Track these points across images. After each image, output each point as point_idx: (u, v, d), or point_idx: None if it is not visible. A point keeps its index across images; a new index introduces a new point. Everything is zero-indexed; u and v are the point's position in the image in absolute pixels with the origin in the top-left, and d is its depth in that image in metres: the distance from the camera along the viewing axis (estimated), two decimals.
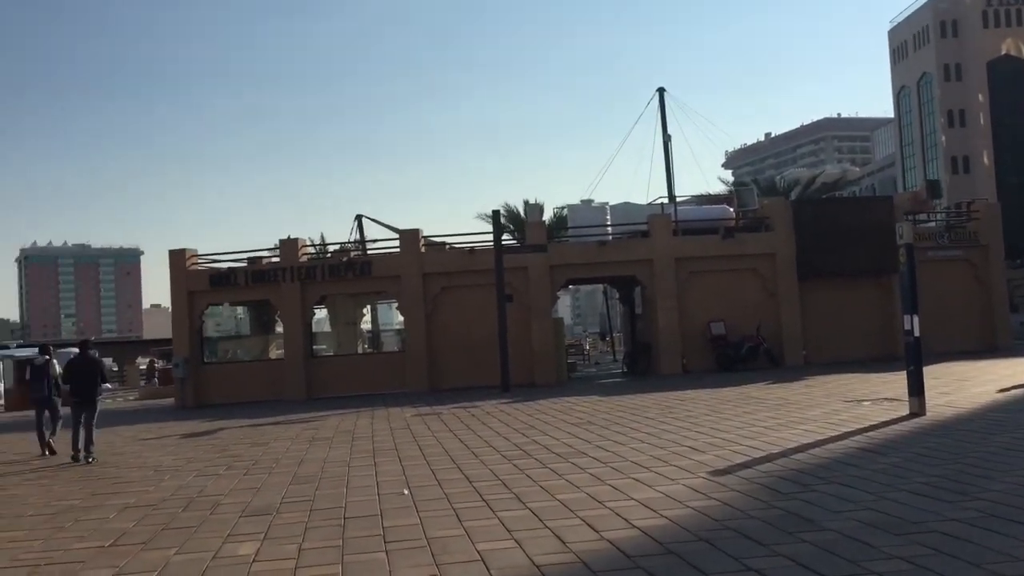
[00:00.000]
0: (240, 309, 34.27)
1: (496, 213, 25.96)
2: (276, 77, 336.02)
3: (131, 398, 40.50)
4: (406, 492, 9.42)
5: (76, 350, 15.63)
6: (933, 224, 31.13)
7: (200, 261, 30.24)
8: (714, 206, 32.62)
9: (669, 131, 38.13)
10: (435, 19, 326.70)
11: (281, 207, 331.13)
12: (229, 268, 29.64)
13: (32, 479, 12.47)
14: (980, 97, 79.46)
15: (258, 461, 12.67)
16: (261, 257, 30.20)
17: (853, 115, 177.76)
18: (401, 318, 30.38)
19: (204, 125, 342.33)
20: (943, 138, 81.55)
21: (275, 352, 31.57)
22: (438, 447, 13.11)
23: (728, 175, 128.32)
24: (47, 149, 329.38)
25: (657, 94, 39.14)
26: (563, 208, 36.58)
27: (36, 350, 27.13)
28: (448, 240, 29.77)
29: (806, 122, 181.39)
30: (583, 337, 65.62)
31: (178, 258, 29.48)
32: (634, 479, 9.46)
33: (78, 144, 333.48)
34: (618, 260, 28.44)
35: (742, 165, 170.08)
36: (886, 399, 16.24)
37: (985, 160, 78.59)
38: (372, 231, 35.16)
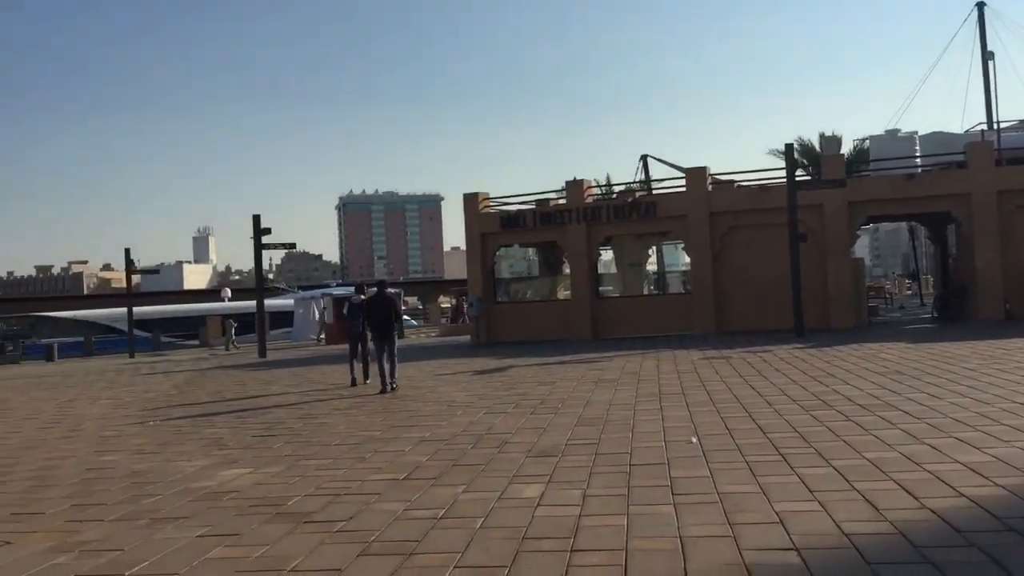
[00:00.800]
0: (530, 250, 35.02)
1: (789, 147, 24.36)
2: (554, 23, 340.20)
3: (432, 335, 43.09)
4: (694, 440, 8.95)
5: (375, 290, 16.69)
6: None
7: (492, 204, 31.16)
8: None
9: (990, 49, 34.06)
10: None
11: (569, 150, 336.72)
12: (518, 210, 30.31)
13: (341, 408, 13.33)
14: None
15: (544, 400, 12.72)
16: (549, 199, 30.59)
17: None
18: (687, 259, 29.64)
19: (492, 78, 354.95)
20: None
21: (562, 293, 32.01)
22: (727, 393, 12.48)
23: None
24: (359, 106, 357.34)
25: (976, 9, 35.07)
26: (864, 140, 33.76)
27: (352, 289, 29.47)
28: (736, 178, 28.47)
29: None
30: (884, 279, 61.12)
31: (471, 202, 30.57)
32: (957, 439, 8.34)
33: (387, 100, 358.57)
34: (929, 195, 25.76)
35: None
36: None
37: None
38: (657, 172, 34.35)
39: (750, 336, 23.56)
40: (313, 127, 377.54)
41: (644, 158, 35.94)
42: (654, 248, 33.51)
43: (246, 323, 42.70)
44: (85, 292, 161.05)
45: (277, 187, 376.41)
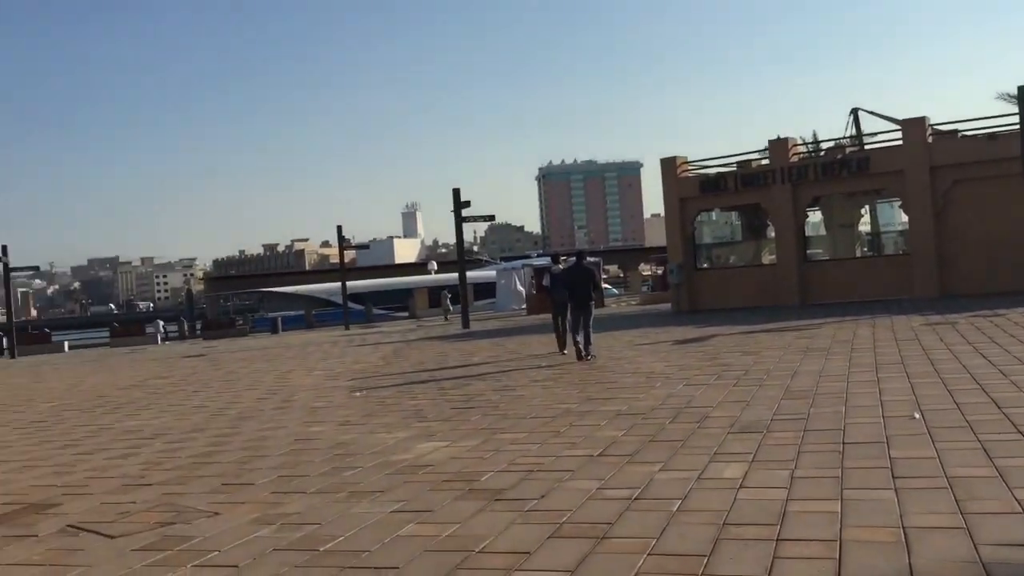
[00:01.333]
0: (733, 214, 33.77)
1: (1022, 89, 21.93)
2: None
3: (632, 303, 42.67)
4: (917, 416, 8.14)
5: (574, 259, 16.70)
6: None
7: (690, 168, 30.25)
8: None
9: None
10: None
11: (770, 109, 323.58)
12: (718, 173, 29.25)
13: (539, 380, 13.26)
14: None
15: (748, 371, 12.09)
16: (751, 160, 29.33)
17: None
18: (904, 218, 27.58)
19: (687, 34, 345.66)
20: None
21: (767, 257, 30.70)
22: (954, 363, 11.38)
23: None
24: (556, 78, 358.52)
25: None
26: None
27: (548, 259, 29.55)
28: (959, 127, 26.09)
29: None
30: None
31: (669, 166, 29.80)
32: None
33: (583, 69, 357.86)
34: None
35: None
36: None
37: None
38: (870, 127, 32.09)
39: (978, 299, 21.62)
40: (512, 100, 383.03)
41: (855, 111, 33.62)
42: (866, 207, 31.43)
43: (453, 295, 44.00)
44: (306, 268, 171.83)
45: (480, 161, 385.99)
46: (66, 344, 42.54)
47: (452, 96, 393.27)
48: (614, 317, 30.13)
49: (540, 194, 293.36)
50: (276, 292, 62.50)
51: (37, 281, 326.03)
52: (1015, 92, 23.36)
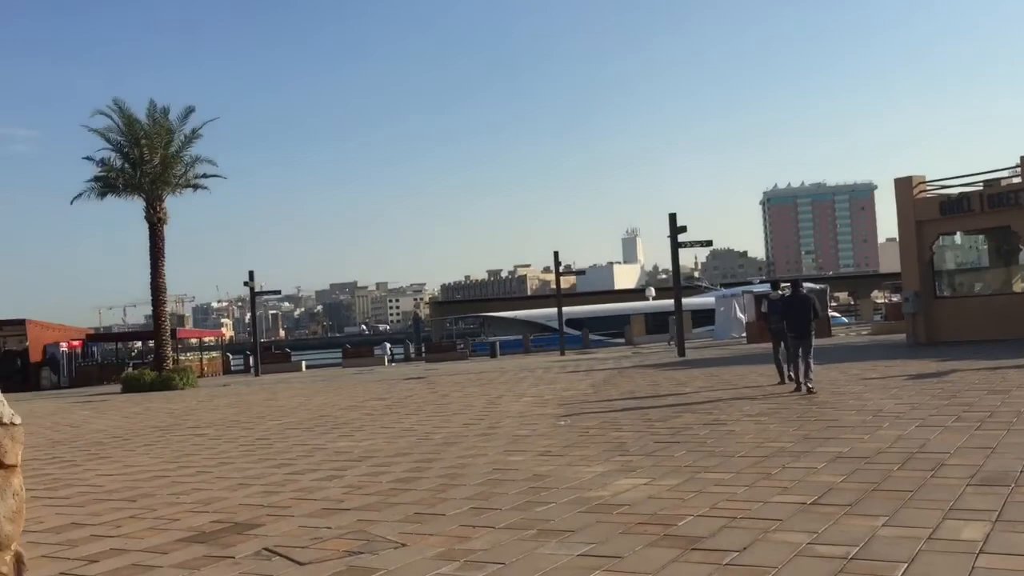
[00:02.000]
0: (979, 238, 30.92)
1: None
2: None
3: (863, 332, 40.09)
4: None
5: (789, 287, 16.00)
6: None
7: (928, 188, 28.01)
8: None
9: None
10: None
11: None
12: (961, 193, 26.88)
13: (752, 414, 12.47)
14: None
15: (994, 413, 10.75)
16: (999, 179, 26.76)
17: None
18: None
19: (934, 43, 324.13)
20: None
21: (1019, 286, 27.83)
22: None
23: None
24: (777, 96, 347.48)
25: None
26: None
27: (768, 286, 28.26)
28: None
29: None
30: None
31: (904, 187, 27.75)
32: None
33: (802, 87, 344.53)
34: None
35: None
36: None
37: None
38: None
39: None
40: (732, 122, 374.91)
41: None
42: None
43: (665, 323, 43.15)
44: (528, 293, 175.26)
45: (702, 185, 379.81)
46: (303, 363, 45.36)
47: (673, 119, 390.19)
48: (841, 348, 28.32)
49: (764, 218, 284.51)
50: (496, 317, 63.95)
51: (286, 304, 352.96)
52: None
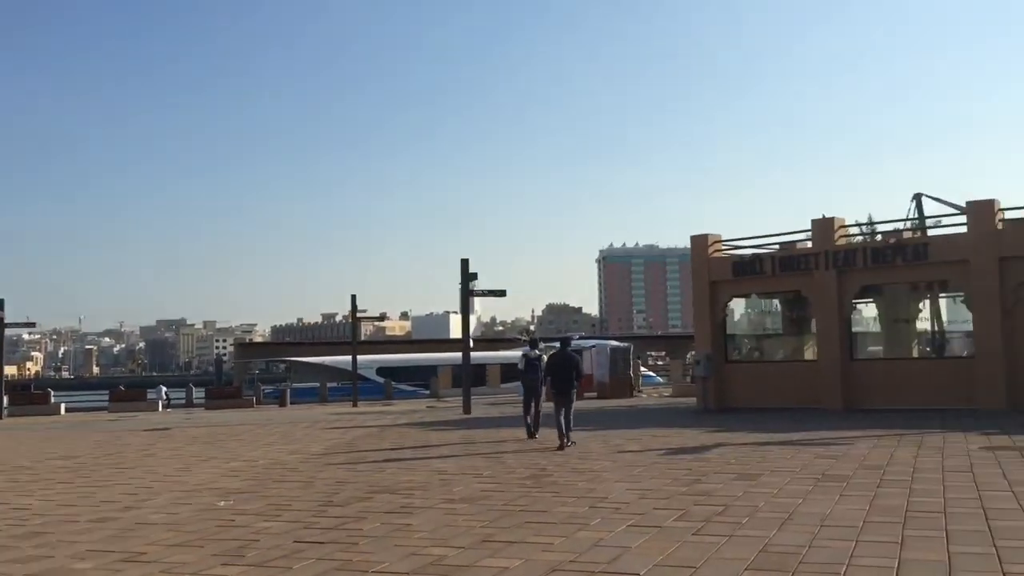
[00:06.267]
0: (774, 302, 30.32)
1: None
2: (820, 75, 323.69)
3: (665, 394, 39.14)
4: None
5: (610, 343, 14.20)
6: None
7: (723, 247, 27.09)
8: None
9: None
10: None
11: (828, 193, 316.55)
12: (754, 255, 26.01)
13: (452, 500, 10.12)
14: None
15: (727, 508, 8.80)
16: (796, 241, 26.08)
17: None
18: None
19: (767, 120, 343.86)
20: None
21: (810, 353, 27.17)
22: (1017, 515, 8.00)
23: None
24: (618, 161, 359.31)
25: None
26: None
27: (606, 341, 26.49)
28: None
29: None
30: None
31: (700, 245, 26.69)
32: None
33: (646, 155, 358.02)
34: None
35: None
36: None
37: None
38: (935, 213, 28.53)
39: None
40: (573, 183, 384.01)
41: (917, 197, 30.20)
42: (927, 301, 27.79)
43: (478, 375, 41.03)
44: (361, 339, 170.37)
45: (545, 240, 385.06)
46: (62, 406, 40.37)
47: (515, 172, 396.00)
48: (632, 411, 26.84)
49: (600, 276, 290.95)
50: (303, 362, 60.40)
51: (106, 339, 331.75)
52: None
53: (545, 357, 16.91)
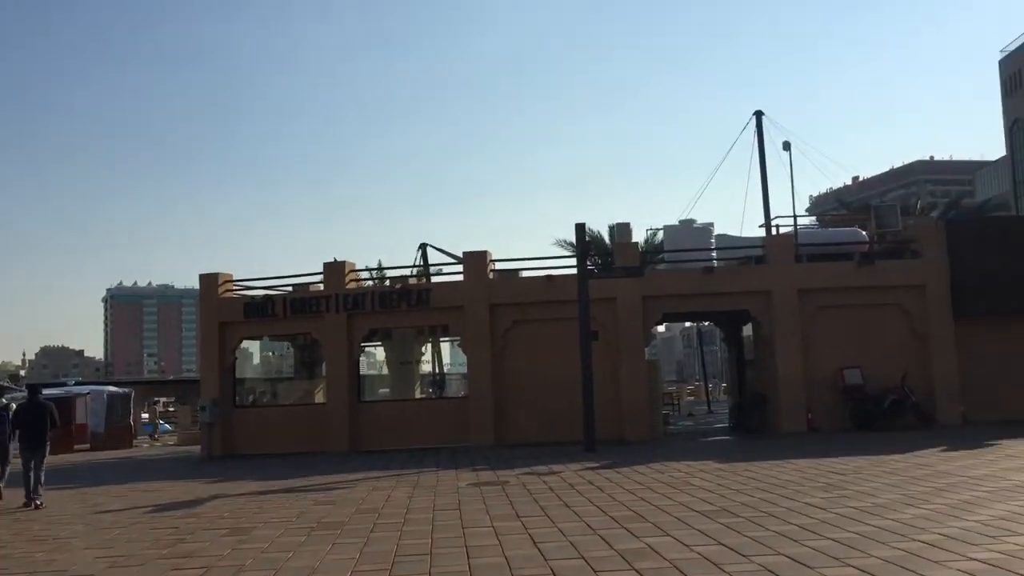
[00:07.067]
0: (286, 345, 29.96)
1: (580, 226, 21.10)
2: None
3: (171, 442, 36.64)
4: None
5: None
6: None
7: (235, 287, 26.11)
8: (843, 228, 27.19)
9: (765, 164, 33.51)
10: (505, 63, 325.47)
11: (352, 238, 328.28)
12: (266, 296, 25.40)
13: None
14: None
15: (209, 570, 7.98)
16: (310, 284, 25.97)
17: (946, 157, 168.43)
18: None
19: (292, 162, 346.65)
20: None
21: (323, 395, 27.17)
22: (496, 551, 8.29)
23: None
24: (131, 193, 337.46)
25: (754, 118, 34.53)
26: (656, 232, 31.59)
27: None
28: (522, 266, 25.06)
29: (897, 165, 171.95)
30: (684, 384, 59.97)
31: (210, 284, 25.40)
32: None
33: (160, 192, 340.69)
34: (727, 291, 23.22)
35: (828, 212, 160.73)
36: None
37: None
38: (438, 263, 30.45)
39: (534, 450, 19.76)
40: (86, 214, 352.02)
41: (423, 247, 32.13)
42: (429, 344, 29.44)
43: None
44: None
45: (42, 277, 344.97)
46: None
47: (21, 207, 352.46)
48: (128, 463, 24.49)
49: (106, 317, 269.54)
50: None
51: None
52: (574, 234, 22.66)
53: (14, 406, 14.77)
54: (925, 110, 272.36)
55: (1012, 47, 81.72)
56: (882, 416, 22.03)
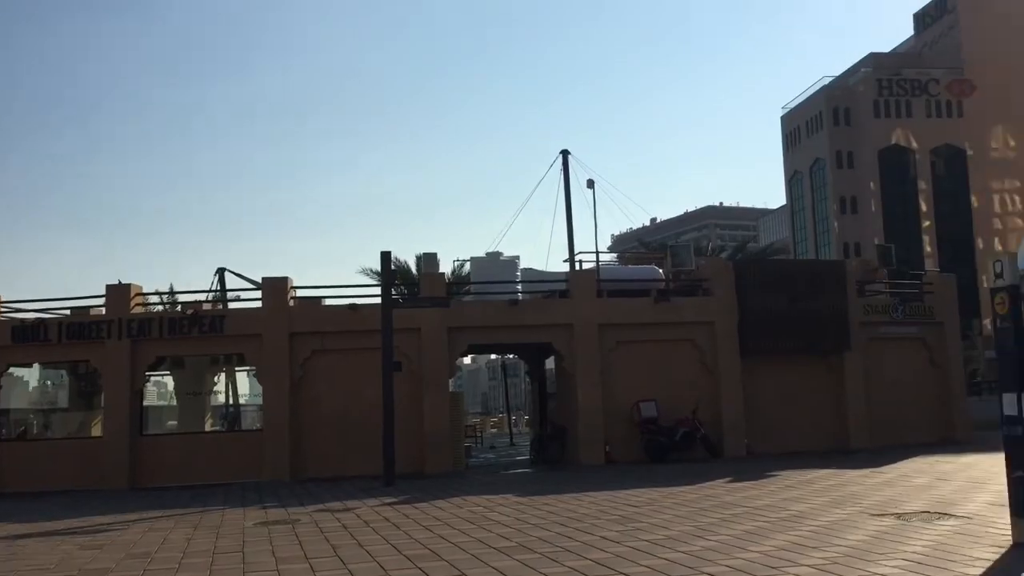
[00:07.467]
0: (63, 373, 27.57)
1: (386, 254, 20.64)
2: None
3: None
4: None
5: None
6: (886, 296, 27.29)
7: (3, 309, 23.82)
8: (642, 266, 28.14)
9: (570, 201, 34.43)
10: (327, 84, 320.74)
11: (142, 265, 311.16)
12: (38, 319, 23.28)
13: None
14: (872, 185, 79.40)
15: None
16: (91, 307, 24.06)
17: (734, 204, 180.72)
18: None
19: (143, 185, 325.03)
20: (836, 224, 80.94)
21: (99, 429, 25.10)
22: None
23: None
24: None
25: (561, 156, 35.49)
26: (463, 263, 31.60)
27: None
28: (325, 294, 24.28)
29: (691, 208, 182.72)
30: (488, 416, 60.22)
31: None
32: None
33: None
34: (531, 324, 23.42)
35: (628, 250, 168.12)
36: (939, 515, 11.57)
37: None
38: (237, 287, 29.06)
39: (331, 484, 19.04)
40: None
41: (221, 271, 30.57)
42: (223, 374, 27.99)
43: None
44: None
45: None
46: None
47: None
48: None
49: None
50: None
51: None
52: (379, 262, 22.18)
53: None
54: (718, 159, 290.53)
55: (792, 104, 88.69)
56: (674, 448, 22.74)
